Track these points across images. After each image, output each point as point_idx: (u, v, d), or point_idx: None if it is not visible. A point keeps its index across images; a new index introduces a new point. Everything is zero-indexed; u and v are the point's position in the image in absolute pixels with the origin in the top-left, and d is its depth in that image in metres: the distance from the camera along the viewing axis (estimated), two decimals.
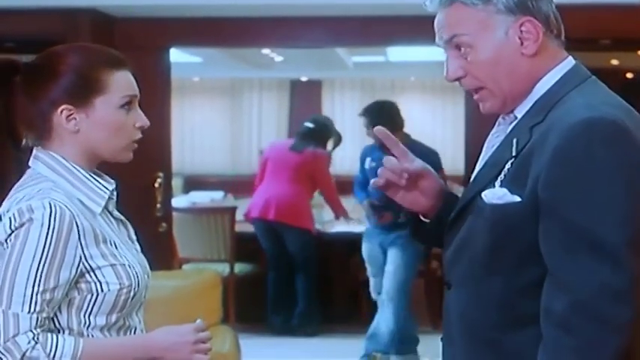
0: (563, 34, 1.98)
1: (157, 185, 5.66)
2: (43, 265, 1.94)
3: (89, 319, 2.03)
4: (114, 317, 2.05)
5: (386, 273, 5.90)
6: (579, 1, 4.76)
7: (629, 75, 10.36)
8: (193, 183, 11.17)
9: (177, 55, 6.82)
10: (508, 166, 1.89)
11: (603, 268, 1.74)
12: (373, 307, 6.15)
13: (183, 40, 5.84)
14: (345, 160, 10.64)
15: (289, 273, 7.05)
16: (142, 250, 2.22)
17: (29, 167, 2.09)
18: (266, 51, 8.52)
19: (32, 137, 2.11)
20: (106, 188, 2.11)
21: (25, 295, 1.93)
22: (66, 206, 1.97)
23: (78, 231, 1.98)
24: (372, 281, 6.11)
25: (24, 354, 1.92)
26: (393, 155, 2.11)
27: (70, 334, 2.01)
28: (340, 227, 7.35)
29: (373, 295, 6.14)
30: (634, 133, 1.80)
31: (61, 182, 2.05)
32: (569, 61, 1.97)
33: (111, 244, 2.06)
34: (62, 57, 2.08)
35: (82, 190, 2.07)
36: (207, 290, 4.62)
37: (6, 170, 2.10)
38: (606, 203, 1.76)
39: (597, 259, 1.75)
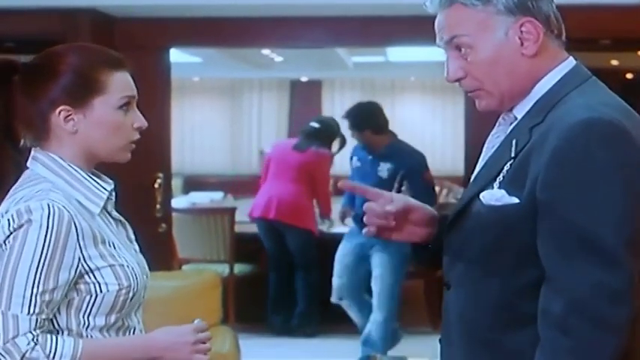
0: (563, 34, 1.98)
1: (156, 186, 5.66)
2: (42, 266, 1.94)
3: (88, 319, 2.03)
4: (113, 318, 2.05)
5: (373, 278, 5.86)
6: (579, 2, 4.76)
7: (629, 75, 10.37)
8: (193, 183, 11.17)
9: (177, 55, 6.81)
10: (507, 167, 1.89)
11: (601, 268, 1.74)
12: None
13: (183, 40, 5.83)
14: (344, 160, 10.63)
15: (290, 273, 7.05)
16: (141, 251, 2.22)
17: (27, 168, 2.09)
18: (266, 51, 8.53)
19: (30, 138, 2.11)
20: (105, 189, 2.11)
21: (24, 297, 1.93)
22: (64, 207, 1.97)
23: (76, 232, 1.98)
24: (335, 282, 6.00)
25: (23, 355, 1.91)
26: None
27: (69, 334, 2.01)
28: (342, 228, 7.34)
29: (333, 299, 6.03)
30: (632, 134, 1.80)
31: (59, 183, 2.05)
32: (570, 62, 1.97)
33: (109, 245, 2.05)
34: (61, 57, 2.08)
35: (81, 191, 2.07)
36: (206, 291, 4.62)
37: (4, 171, 2.10)
38: (604, 204, 1.76)
39: (595, 259, 1.75)
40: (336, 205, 7.18)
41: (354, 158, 5.99)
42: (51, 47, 2.13)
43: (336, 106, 12.04)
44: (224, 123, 12.57)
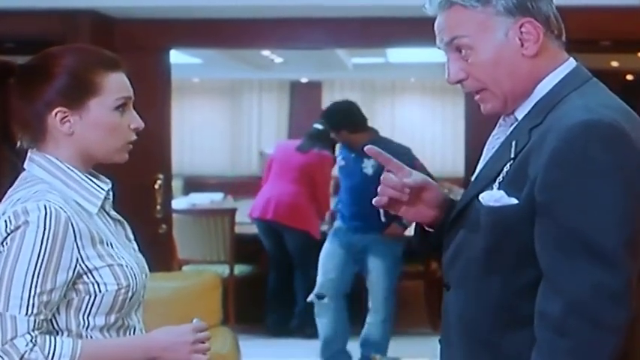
0: (563, 34, 1.98)
1: (156, 187, 5.66)
2: (40, 267, 1.94)
3: (88, 319, 2.03)
4: (113, 317, 2.05)
5: (368, 282, 5.84)
6: (579, 3, 4.76)
7: (629, 77, 10.37)
8: (193, 184, 11.16)
9: (177, 57, 6.81)
10: (507, 168, 1.90)
11: (599, 270, 1.74)
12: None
13: (183, 41, 5.84)
14: None
15: (289, 273, 7.05)
16: (140, 250, 2.22)
17: (24, 170, 2.09)
18: (266, 52, 8.52)
19: (27, 139, 2.11)
20: (102, 188, 2.11)
21: (22, 298, 1.93)
22: (61, 208, 1.97)
23: (74, 233, 1.98)
24: (320, 279, 5.92)
25: (22, 356, 1.91)
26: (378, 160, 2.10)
27: (68, 335, 2.01)
28: None
29: (312, 296, 5.95)
30: (632, 136, 1.81)
31: (56, 184, 2.05)
32: (571, 63, 1.97)
33: (107, 245, 2.05)
34: (57, 59, 2.08)
35: (78, 191, 2.07)
36: (206, 292, 4.62)
37: (1, 172, 2.10)
38: (603, 205, 1.76)
39: (593, 261, 1.75)
40: None
41: (339, 157, 5.98)
42: (44, 50, 2.14)
43: None
44: (224, 124, 12.57)
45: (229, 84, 12.52)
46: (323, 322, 5.95)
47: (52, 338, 1.95)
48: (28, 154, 2.10)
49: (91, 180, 2.10)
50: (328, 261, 5.93)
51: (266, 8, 5.26)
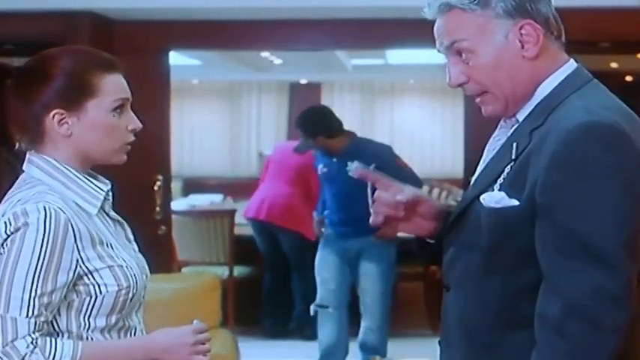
0: (563, 35, 1.99)
1: (156, 188, 5.65)
2: (40, 269, 1.94)
3: (89, 321, 2.03)
4: (114, 318, 2.05)
5: (361, 289, 5.72)
6: (579, 4, 4.76)
7: (629, 78, 10.37)
8: (192, 186, 11.16)
9: (176, 58, 6.81)
10: (507, 169, 1.90)
11: (598, 271, 1.75)
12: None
13: (182, 42, 5.83)
14: None
15: (285, 275, 7.04)
16: (140, 251, 2.22)
17: (23, 171, 2.09)
18: (265, 54, 8.51)
19: (25, 141, 2.11)
20: (101, 189, 2.11)
21: (22, 300, 1.93)
22: (61, 209, 1.97)
23: (74, 234, 1.98)
24: (321, 291, 5.81)
25: (23, 358, 1.92)
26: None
27: (69, 337, 2.01)
28: None
29: (314, 306, 5.84)
30: (632, 137, 1.81)
31: (55, 185, 2.05)
32: (571, 65, 1.97)
33: (107, 246, 2.05)
34: (54, 60, 2.08)
35: (77, 192, 2.07)
36: (206, 293, 4.62)
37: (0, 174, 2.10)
38: (603, 207, 1.76)
39: (593, 262, 1.75)
40: None
41: (320, 165, 5.81)
42: (41, 52, 2.14)
43: (335, 109, 11.95)
44: (223, 125, 12.56)
45: (228, 85, 12.52)
46: (325, 332, 5.86)
47: (53, 340, 1.95)
48: (27, 155, 2.10)
49: (90, 181, 2.10)
50: (324, 270, 5.82)
51: (265, 10, 5.26)
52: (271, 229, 6.93)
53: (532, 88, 1.95)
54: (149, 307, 2.21)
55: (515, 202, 1.85)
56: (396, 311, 6.63)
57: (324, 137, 5.67)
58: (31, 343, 1.92)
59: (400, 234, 5.46)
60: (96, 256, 2.02)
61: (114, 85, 2.09)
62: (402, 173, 5.54)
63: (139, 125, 2.12)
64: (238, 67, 9.78)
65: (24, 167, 2.09)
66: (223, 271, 6.74)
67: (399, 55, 8.74)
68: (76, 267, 1.99)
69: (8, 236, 1.95)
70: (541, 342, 1.80)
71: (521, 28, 1.92)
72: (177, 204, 8.05)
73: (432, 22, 2.00)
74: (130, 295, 2.06)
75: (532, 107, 1.94)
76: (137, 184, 5.29)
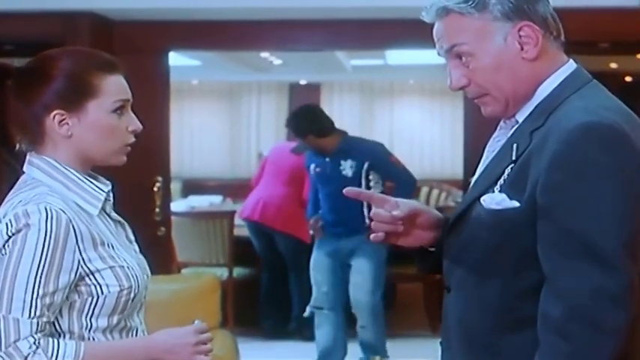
0: (562, 34, 1.99)
1: (155, 189, 5.66)
2: (42, 269, 1.94)
3: (91, 321, 2.03)
4: (115, 319, 2.05)
5: (352, 284, 5.71)
6: (578, 5, 4.77)
7: (628, 78, 10.38)
8: (192, 187, 11.16)
9: (176, 59, 6.81)
10: (508, 170, 1.90)
11: (599, 272, 1.74)
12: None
13: (182, 43, 5.84)
14: None
15: (283, 275, 7.02)
16: (141, 252, 2.22)
17: (23, 173, 2.08)
18: (265, 54, 8.52)
19: (25, 142, 2.11)
20: (102, 190, 2.11)
21: (24, 301, 1.93)
22: (62, 210, 1.97)
23: (75, 235, 1.98)
24: (315, 292, 5.84)
25: (25, 359, 1.91)
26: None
27: (71, 337, 2.01)
28: None
29: (309, 309, 5.87)
30: (632, 137, 1.81)
31: (56, 186, 2.05)
32: (571, 65, 1.98)
33: (109, 246, 2.05)
34: (55, 61, 2.08)
35: (78, 193, 2.07)
36: (205, 294, 4.62)
37: (0, 176, 2.10)
38: (604, 208, 1.76)
39: (593, 263, 1.75)
40: None
41: (312, 165, 5.79)
42: (41, 53, 2.13)
43: (335, 110, 12.05)
44: (223, 126, 12.57)
45: (228, 86, 12.53)
46: (321, 334, 5.86)
47: (55, 340, 1.95)
48: (27, 157, 2.10)
49: (90, 182, 2.10)
50: (317, 273, 5.83)
51: (265, 10, 5.26)
52: (266, 230, 6.93)
53: (532, 88, 1.95)
54: (148, 308, 2.21)
55: (516, 204, 1.85)
56: (395, 312, 6.65)
57: (314, 136, 5.65)
58: (34, 343, 1.92)
59: None
60: (97, 257, 2.02)
61: (114, 86, 2.08)
62: (395, 170, 5.54)
63: (139, 126, 2.12)
64: (238, 67, 9.79)
65: (24, 168, 2.09)
66: (223, 272, 6.74)
67: (398, 56, 8.75)
68: (78, 268, 1.99)
69: (10, 237, 1.95)
70: (543, 343, 1.80)
71: (519, 30, 1.92)
72: (177, 205, 8.05)
73: (432, 23, 2.00)
74: (132, 295, 2.06)
75: (532, 108, 1.94)
76: (137, 185, 5.29)
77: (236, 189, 10.22)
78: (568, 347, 1.76)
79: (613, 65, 9.64)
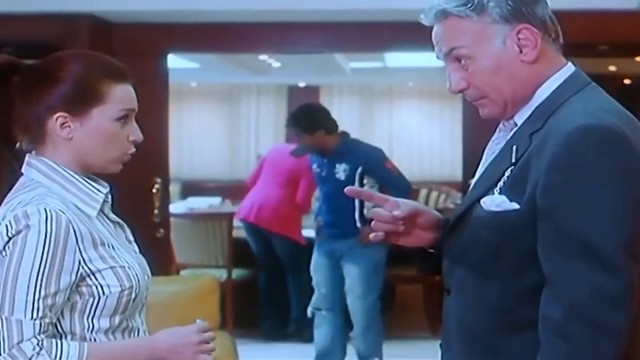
0: (561, 36, 1.99)
1: (154, 191, 5.66)
2: (43, 270, 1.94)
3: (92, 322, 2.03)
4: (117, 319, 2.05)
5: (347, 291, 5.68)
6: (577, 7, 4.77)
7: (627, 81, 10.38)
8: (191, 188, 11.16)
9: (175, 61, 6.82)
10: (508, 173, 1.90)
11: (599, 274, 1.75)
12: None
13: (181, 45, 5.84)
14: None
15: (281, 277, 7.01)
16: (141, 252, 2.22)
17: (22, 174, 2.08)
18: (264, 57, 8.53)
19: (26, 141, 2.11)
20: (100, 191, 2.11)
21: (26, 302, 1.93)
22: (61, 211, 1.97)
23: (75, 235, 1.98)
24: (315, 294, 5.85)
25: None
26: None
27: (72, 338, 2.01)
28: None
29: (309, 309, 5.89)
30: (631, 139, 1.81)
31: (55, 188, 2.05)
32: (569, 68, 1.98)
33: (109, 247, 2.06)
34: (64, 64, 2.08)
35: (77, 195, 2.07)
36: (204, 296, 4.62)
37: (0, 173, 2.10)
38: (603, 209, 1.76)
39: (595, 265, 1.75)
40: None
41: (314, 165, 5.81)
42: (55, 52, 2.13)
43: (334, 112, 11.96)
44: (222, 128, 12.58)
45: (227, 88, 12.54)
46: (319, 334, 5.86)
47: (59, 341, 1.95)
48: (26, 158, 2.10)
49: (89, 183, 2.10)
50: (316, 273, 5.83)
51: (264, 12, 5.26)
52: (263, 232, 6.93)
53: (531, 91, 1.95)
54: (148, 309, 2.21)
55: (516, 206, 1.85)
56: (395, 314, 6.65)
57: (324, 133, 5.63)
58: (37, 344, 1.92)
59: None
60: (98, 257, 2.02)
61: (122, 95, 2.08)
62: (389, 176, 5.52)
63: (140, 137, 2.12)
64: (237, 70, 9.79)
65: (23, 170, 2.09)
66: (222, 274, 6.74)
67: (397, 58, 8.76)
68: (79, 268, 1.99)
69: (10, 239, 1.95)
70: (544, 345, 1.80)
71: (518, 33, 1.93)
72: (176, 207, 8.05)
73: (431, 26, 2.01)
74: (133, 295, 2.06)
75: (531, 110, 1.95)
76: (136, 187, 5.29)
77: (235, 191, 10.21)
78: (568, 348, 1.76)
79: (612, 68, 9.65)
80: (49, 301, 1.95)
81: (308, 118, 5.73)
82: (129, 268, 2.06)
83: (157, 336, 2.08)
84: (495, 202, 1.89)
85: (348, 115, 11.79)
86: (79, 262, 1.99)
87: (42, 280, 1.94)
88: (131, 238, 2.22)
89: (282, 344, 6.90)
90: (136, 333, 2.12)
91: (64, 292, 1.97)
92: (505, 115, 1.99)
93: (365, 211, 5.46)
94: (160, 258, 5.46)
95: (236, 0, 5.16)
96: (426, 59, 7.77)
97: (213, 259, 6.94)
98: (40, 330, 1.93)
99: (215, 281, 4.85)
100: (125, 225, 2.22)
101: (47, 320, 1.95)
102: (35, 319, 1.93)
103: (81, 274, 1.99)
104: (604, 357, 1.76)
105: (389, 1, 5.04)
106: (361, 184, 5.47)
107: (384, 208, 2.07)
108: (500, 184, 1.90)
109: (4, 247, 1.96)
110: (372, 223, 2.07)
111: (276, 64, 9.33)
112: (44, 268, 1.94)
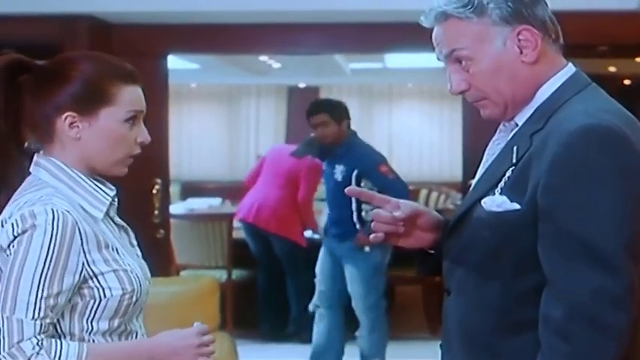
0: (561, 37, 1.99)
1: (154, 191, 5.65)
2: (47, 271, 1.94)
3: (91, 324, 2.03)
4: (116, 322, 2.06)
5: (349, 290, 5.69)
6: (577, 8, 4.76)
7: (627, 81, 10.38)
8: (191, 189, 11.16)
9: (174, 62, 6.81)
10: (508, 173, 1.90)
11: (600, 274, 1.75)
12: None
13: (180, 46, 5.83)
14: None
15: (280, 277, 7.01)
16: (143, 256, 2.22)
17: (30, 173, 2.09)
18: (263, 57, 8.53)
19: (35, 140, 2.12)
20: (107, 194, 2.11)
21: (28, 302, 1.93)
22: (68, 212, 1.98)
23: (80, 237, 1.98)
24: (317, 291, 5.87)
25: (29, 359, 1.92)
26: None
27: (71, 339, 2.01)
28: None
29: (310, 307, 5.92)
30: (632, 140, 1.81)
31: (62, 188, 2.06)
32: (570, 68, 1.98)
33: (113, 250, 2.06)
34: (74, 64, 2.08)
35: (84, 196, 2.08)
36: (204, 296, 4.61)
37: (8, 172, 2.10)
38: (604, 209, 1.77)
39: (594, 265, 1.75)
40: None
41: (324, 163, 5.86)
42: (54, 53, 2.14)
43: None
44: (222, 129, 12.58)
45: (227, 89, 12.54)
46: (317, 331, 5.88)
47: (58, 341, 1.95)
48: (34, 158, 2.10)
49: (96, 185, 2.11)
50: (320, 271, 5.85)
51: (264, 14, 5.26)
52: (262, 232, 6.92)
53: (532, 92, 1.96)
54: (147, 310, 2.21)
55: (517, 206, 1.85)
56: (394, 314, 6.64)
57: (348, 122, 5.65)
58: (37, 344, 1.92)
59: None
60: (101, 260, 2.02)
61: (131, 97, 2.09)
62: (383, 180, 5.50)
63: (148, 139, 2.13)
64: (237, 71, 9.79)
65: (31, 169, 2.09)
66: (222, 275, 6.74)
67: (397, 59, 8.76)
68: (82, 269, 1.99)
69: (15, 238, 1.96)
70: (544, 345, 1.80)
71: (518, 34, 1.93)
72: (176, 208, 8.05)
73: (431, 27, 2.01)
74: (134, 299, 2.06)
75: (532, 111, 1.95)
76: (136, 188, 5.26)
77: (235, 191, 10.21)
78: (568, 348, 1.76)
79: (612, 68, 9.65)
80: (51, 301, 1.95)
81: (338, 106, 5.76)
82: (131, 271, 2.06)
83: (157, 338, 2.08)
84: (496, 202, 1.89)
85: None
86: (83, 264, 1.99)
87: (45, 280, 1.94)
88: (134, 242, 2.23)
89: (281, 345, 6.90)
90: (134, 336, 2.12)
91: (67, 293, 1.97)
92: (506, 116, 1.99)
93: (363, 213, 5.48)
94: (159, 259, 5.46)
95: (236, 1, 5.16)
96: (425, 60, 7.77)
97: (213, 259, 6.94)
98: (40, 330, 1.93)
99: (215, 282, 4.85)
100: (129, 229, 2.22)
101: (48, 320, 1.95)
102: (36, 319, 1.93)
103: (84, 275, 2.00)
104: (604, 357, 1.76)
105: (389, 2, 5.04)
106: (359, 186, 5.46)
107: (385, 209, 2.07)
108: (501, 184, 1.90)
109: (9, 246, 1.96)
110: (373, 223, 2.08)
111: (276, 65, 9.33)
112: (48, 268, 1.94)
